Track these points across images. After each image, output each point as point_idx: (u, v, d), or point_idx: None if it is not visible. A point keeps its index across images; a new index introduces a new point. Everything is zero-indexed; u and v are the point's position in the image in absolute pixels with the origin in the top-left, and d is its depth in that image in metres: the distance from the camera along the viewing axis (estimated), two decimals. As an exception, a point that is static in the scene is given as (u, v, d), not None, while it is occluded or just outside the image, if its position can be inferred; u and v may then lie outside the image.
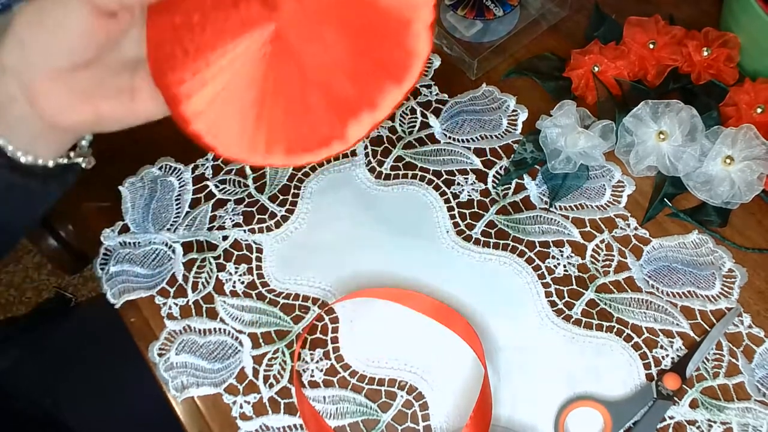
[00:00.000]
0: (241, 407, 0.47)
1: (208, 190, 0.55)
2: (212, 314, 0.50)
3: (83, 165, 0.39)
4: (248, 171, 0.56)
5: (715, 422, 0.45)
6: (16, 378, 0.59)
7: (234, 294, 0.51)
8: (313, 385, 0.47)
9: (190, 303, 0.51)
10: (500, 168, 0.54)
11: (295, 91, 0.36)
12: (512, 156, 0.54)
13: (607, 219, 0.52)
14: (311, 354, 0.48)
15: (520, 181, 0.54)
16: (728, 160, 0.49)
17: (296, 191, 0.54)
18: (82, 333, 0.63)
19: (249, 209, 0.54)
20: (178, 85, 0.35)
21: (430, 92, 0.58)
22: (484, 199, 0.53)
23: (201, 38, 0.35)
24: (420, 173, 0.54)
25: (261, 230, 0.53)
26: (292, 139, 0.36)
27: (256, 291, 0.51)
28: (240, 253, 0.52)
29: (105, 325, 0.52)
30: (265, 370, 0.48)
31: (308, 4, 0.35)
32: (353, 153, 0.56)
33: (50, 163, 0.36)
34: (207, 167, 0.56)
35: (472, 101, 0.57)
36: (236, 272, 0.52)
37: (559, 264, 0.50)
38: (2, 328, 0.68)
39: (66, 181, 0.38)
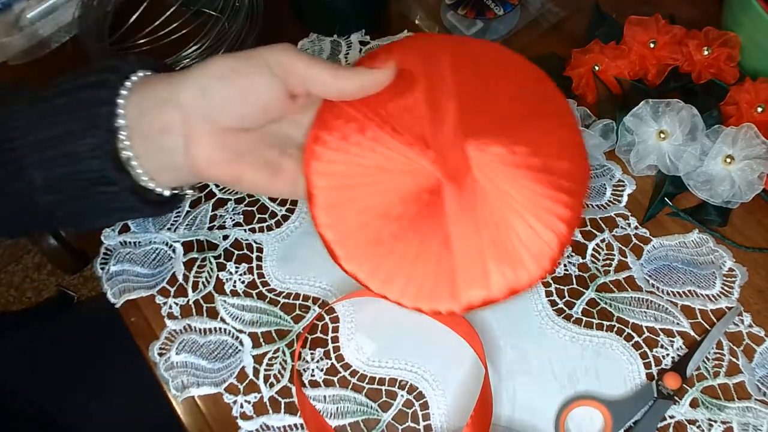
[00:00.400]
0: (241, 407, 0.47)
1: (208, 189, 0.55)
2: (213, 314, 0.50)
3: (190, 197, 0.40)
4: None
5: (715, 422, 0.45)
6: (15, 377, 0.59)
7: (234, 293, 0.51)
8: (314, 384, 0.47)
9: (191, 302, 0.51)
10: (500, 167, 0.54)
11: (433, 246, 0.37)
12: (512, 155, 0.54)
13: (607, 218, 0.52)
14: (312, 353, 0.48)
15: (520, 180, 0.54)
16: (729, 159, 0.49)
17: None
18: (82, 332, 0.63)
19: (249, 208, 0.54)
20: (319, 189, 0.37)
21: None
22: (485, 199, 0.53)
23: (354, 147, 0.36)
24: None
25: (261, 229, 0.53)
26: (412, 282, 0.37)
27: (257, 290, 0.51)
28: (240, 252, 0.52)
29: (105, 324, 0.52)
30: (265, 370, 0.48)
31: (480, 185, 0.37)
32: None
33: (166, 192, 0.37)
34: (207, 167, 0.56)
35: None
36: (236, 272, 0.51)
37: (559, 263, 0.50)
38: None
39: (169, 207, 0.39)
